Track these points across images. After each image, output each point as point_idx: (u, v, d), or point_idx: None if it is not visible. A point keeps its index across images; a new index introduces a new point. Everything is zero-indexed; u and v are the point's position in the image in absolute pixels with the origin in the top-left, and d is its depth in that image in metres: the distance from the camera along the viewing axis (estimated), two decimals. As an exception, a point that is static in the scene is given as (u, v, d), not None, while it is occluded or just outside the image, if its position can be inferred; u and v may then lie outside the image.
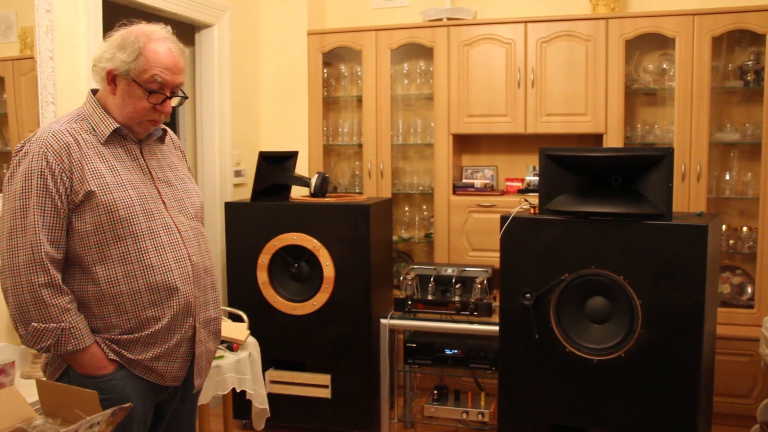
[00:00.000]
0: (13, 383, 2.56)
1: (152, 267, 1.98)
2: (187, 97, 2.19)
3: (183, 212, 2.12)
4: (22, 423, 1.72)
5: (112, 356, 1.97)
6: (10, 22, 3.03)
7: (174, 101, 2.07)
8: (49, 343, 1.90)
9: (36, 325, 1.88)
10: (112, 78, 2.00)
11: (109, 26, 2.10)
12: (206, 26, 4.25)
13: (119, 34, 2.01)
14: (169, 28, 2.07)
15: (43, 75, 3.03)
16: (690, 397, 2.65)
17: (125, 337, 1.97)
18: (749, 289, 4.05)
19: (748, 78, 3.97)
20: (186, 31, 4.24)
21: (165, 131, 2.22)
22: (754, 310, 3.96)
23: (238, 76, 4.47)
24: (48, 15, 3.03)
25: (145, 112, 2.01)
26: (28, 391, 2.04)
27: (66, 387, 1.78)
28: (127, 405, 1.73)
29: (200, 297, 2.10)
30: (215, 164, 4.33)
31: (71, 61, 3.14)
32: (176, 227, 2.06)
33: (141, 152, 2.10)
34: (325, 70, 4.66)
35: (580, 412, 2.82)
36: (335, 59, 4.76)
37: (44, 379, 2.01)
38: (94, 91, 2.09)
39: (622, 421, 2.76)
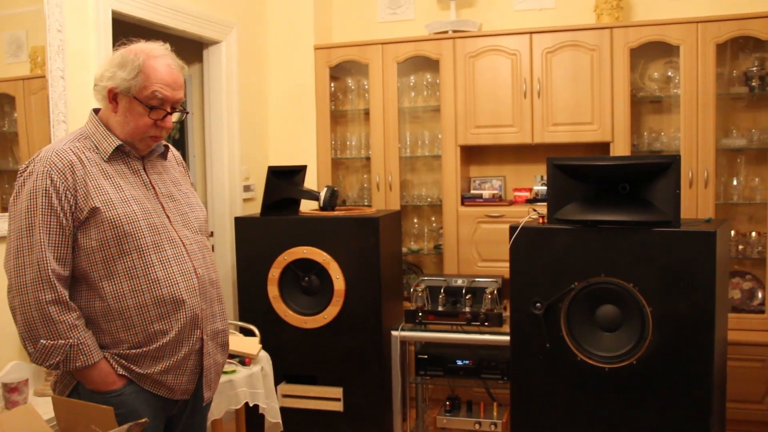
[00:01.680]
0: (26, 401, 2.57)
1: (158, 281, 2.00)
2: (188, 113, 2.22)
3: (187, 226, 2.14)
4: (38, 439, 1.74)
5: (121, 371, 1.99)
6: (20, 41, 3.07)
7: (174, 117, 2.10)
8: (57, 359, 1.92)
9: (44, 342, 1.90)
10: (113, 96, 2.04)
11: (119, 45, 2.13)
12: (214, 43, 4.29)
13: (119, 53, 2.05)
14: (167, 45, 2.10)
15: (54, 94, 3.07)
16: (703, 404, 2.64)
17: (133, 351, 1.99)
18: (760, 294, 4.04)
19: (753, 84, 3.97)
20: (194, 47, 4.29)
21: (167, 147, 2.25)
22: (765, 315, 3.95)
23: (246, 91, 4.50)
24: (59, 35, 3.07)
25: (147, 128, 2.04)
26: (42, 409, 2.05)
27: (81, 403, 1.79)
28: (143, 420, 1.74)
29: (207, 309, 2.11)
30: (224, 179, 4.36)
31: (82, 80, 3.18)
32: (181, 241, 2.09)
33: (144, 168, 2.12)
34: (332, 84, 4.69)
35: (592, 420, 2.81)
36: (342, 73, 4.79)
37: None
38: (96, 111, 2.12)
39: (635, 429, 2.74)
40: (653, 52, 4.14)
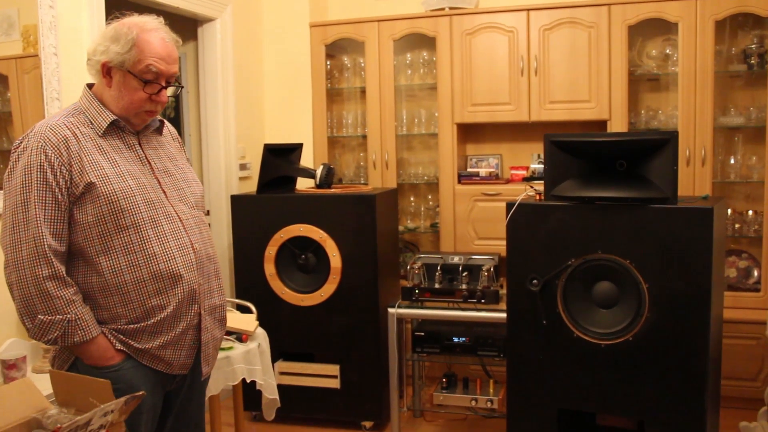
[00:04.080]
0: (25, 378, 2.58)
1: (155, 255, 1.99)
2: (182, 87, 2.21)
3: (183, 201, 2.13)
4: (36, 413, 1.74)
5: (119, 346, 1.99)
6: (12, 20, 3.04)
7: (169, 91, 2.08)
8: (55, 335, 1.92)
9: (42, 317, 1.90)
10: (107, 70, 2.02)
11: (112, 21, 2.11)
12: (209, 20, 4.25)
13: (112, 27, 2.02)
14: (161, 18, 2.08)
15: (47, 71, 3.05)
16: (698, 380, 2.65)
17: (131, 326, 1.99)
18: (755, 273, 4.05)
19: (752, 61, 3.96)
20: (188, 25, 4.26)
21: (162, 123, 2.23)
22: (761, 293, 3.96)
23: (242, 69, 4.47)
24: (51, 11, 3.04)
25: (142, 102, 2.03)
26: (40, 385, 2.05)
27: (79, 377, 1.80)
28: (140, 393, 1.74)
29: (204, 284, 2.11)
30: (220, 158, 4.34)
31: (75, 57, 3.15)
32: (177, 216, 2.08)
33: (139, 143, 2.11)
34: (328, 62, 4.66)
35: (588, 396, 2.83)
36: (338, 51, 4.76)
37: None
38: (90, 86, 2.10)
39: (631, 405, 2.76)
40: (651, 29, 4.12)
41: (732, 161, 4.08)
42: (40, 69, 3.04)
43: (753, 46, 3.95)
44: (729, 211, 4.07)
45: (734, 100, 4.09)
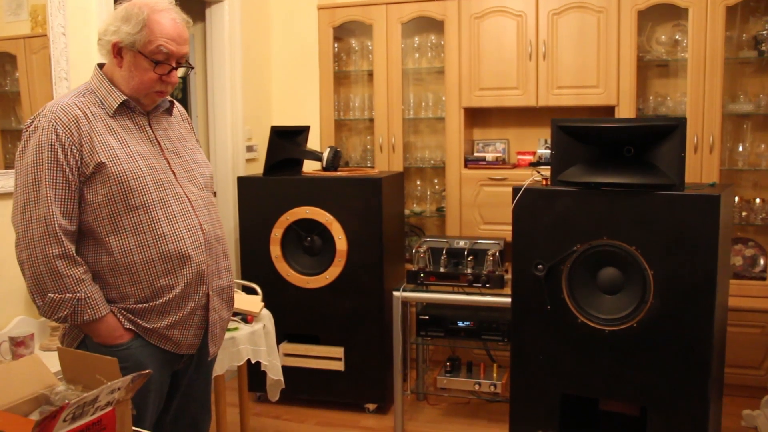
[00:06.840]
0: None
1: (164, 236, 2.00)
2: (192, 68, 2.21)
3: (193, 182, 2.14)
4: (44, 389, 1.75)
5: (128, 325, 2.01)
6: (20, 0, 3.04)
7: (180, 71, 2.09)
8: (65, 313, 1.93)
9: (52, 295, 1.92)
10: (117, 51, 2.02)
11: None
12: (217, 1, 4.24)
13: (123, 7, 2.02)
14: None
15: (56, 51, 3.05)
16: (701, 368, 2.66)
17: (140, 306, 2.01)
18: (761, 261, 4.05)
19: (763, 48, 3.93)
20: (197, 6, 4.25)
21: (172, 103, 2.24)
22: (767, 282, 3.96)
23: (249, 51, 4.47)
24: (60, -9, 3.04)
25: (152, 83, 2.03)
26: (47, 362, 2.07)
27: (87, 354, 1.80)
28: (147, 372, 1.75)
29: (212, 265, 2.13)
30: (227, 139, 4.34)
31: (84, 37, 3.15)
32: (186, 197, 2.09)
33: (149, 124, 2.12)
34: (335, 45, 4.65)
35: (591, 382, 2.84)
36: (346, 34, 4.75)
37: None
38: (101, 66, 2.10)
39: (634, 391, 2.77)
40: (661, 14, 4.09)
41: (740, 148, 4.06)
42: (49, 49, 3.04)
43: (764, 32, 3.92)
44: (736, 198, 4.06)
45: (744, 87, 4.07)
